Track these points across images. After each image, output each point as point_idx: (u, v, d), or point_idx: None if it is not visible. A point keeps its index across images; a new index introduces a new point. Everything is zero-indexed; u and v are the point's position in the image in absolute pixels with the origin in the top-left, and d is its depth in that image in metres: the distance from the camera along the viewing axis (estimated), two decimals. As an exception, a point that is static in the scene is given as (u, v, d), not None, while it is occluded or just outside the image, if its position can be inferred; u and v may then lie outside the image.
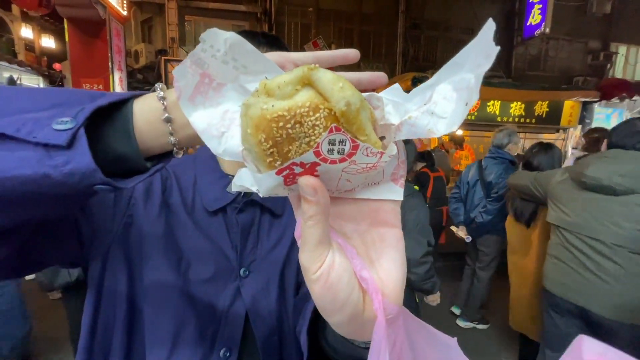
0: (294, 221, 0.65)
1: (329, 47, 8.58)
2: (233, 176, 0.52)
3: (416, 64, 10.07)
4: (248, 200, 0.61)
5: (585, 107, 4.01)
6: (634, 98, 4.22)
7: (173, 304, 0.52)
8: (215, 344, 0.53)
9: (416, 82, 3.47)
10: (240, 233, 0.59)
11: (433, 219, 3.29)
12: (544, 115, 4.01)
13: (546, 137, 4.78)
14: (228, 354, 0.54)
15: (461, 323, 2.91)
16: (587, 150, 2.99)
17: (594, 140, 2.88)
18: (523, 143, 5.15)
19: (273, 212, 0.63)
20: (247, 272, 0.58)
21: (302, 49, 9.08)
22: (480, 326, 2.90)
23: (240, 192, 0.59)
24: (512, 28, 10.27)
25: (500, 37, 10.44)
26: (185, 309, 0.52)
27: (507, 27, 10.34)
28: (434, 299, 1.81)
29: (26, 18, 8.53)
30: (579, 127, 3.93)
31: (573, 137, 4.27)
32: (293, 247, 0.64)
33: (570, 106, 3.98)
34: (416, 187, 1.95)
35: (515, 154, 2.67)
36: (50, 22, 9.51)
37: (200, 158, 0.63)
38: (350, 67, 10.44)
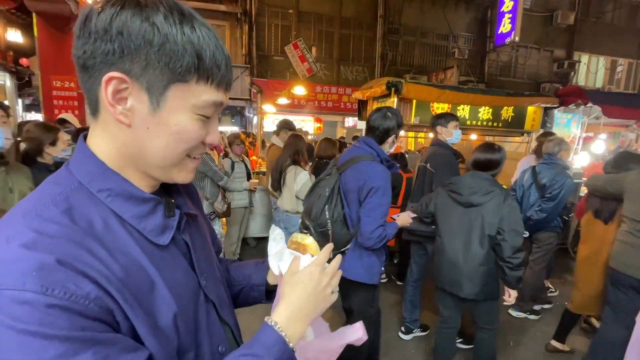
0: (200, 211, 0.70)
1: (310, 50, 8.67)
2: (154, 193, 0.53)
3: (394, 67, 10.34)
4: (185, 215, 0.58)
5: (547, 112, 4.30)
6: (588, 105, 4.56)
7: (174, 345, 0.50)
8: (213, 347, 0.58)
9: (390, 86, 3.62)
10: (191, 250, 0.58)
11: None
12: (509, 120, 4.25)
13: (512, 140, 5.08)
14: (224, 349, 0.60)
15: (514, 312, 3.07)
16: (536, 153, 3.29)
17: (540, 143, 3.20)
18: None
19: (196, 215, 0.64)
20: (204, 280, 0.59)
21: (282, 51, 9.15)
22: (532, 317, 3.01)
23: (179, 211, 0.56)
24: (484, 35, 10.76)
25: (474, 44, 10.90)
26: (182, 339, 0.52)
27: (480, 34, 10.82)
28: (514, 296, 1.92)
29: (-10, 10, 8.09)
30: (541, 130, 4.20)
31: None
32: (208, 231, 0.71)
33: (533, 111, 4.26)
34: (505, 186, 2.09)
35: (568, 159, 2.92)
36: (17, 15, 9.06)
37: (87, 199, 0.47)
38: (332, 68, 10.49)
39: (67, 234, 0.42)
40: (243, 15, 8.97)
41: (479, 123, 4.18)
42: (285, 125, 3.68)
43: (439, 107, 4.00)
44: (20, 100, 7.21)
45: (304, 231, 1.78)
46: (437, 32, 10.57)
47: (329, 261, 0.63)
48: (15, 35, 8.98)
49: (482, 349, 2.07)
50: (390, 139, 1.75)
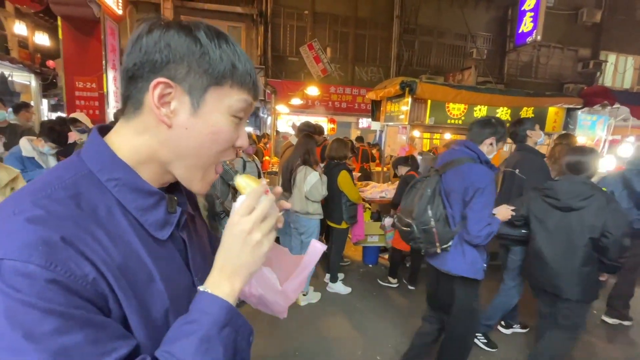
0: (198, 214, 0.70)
1: (324, 50, 8.66)
2: (160, 189, 0.55)
3: (410, 68, 10.19)
4: (185, 213, 0.59)
5: (570, 113, 4.11)
6: (615, 106, 4.34)
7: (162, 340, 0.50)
8: None
9: (404, 86, 3.55)
10: (188, 249, 0.59)
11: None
12: (529, 121, 4.10)
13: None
14: None
15: (608, 319, 3.04)
16: (550, 157, 3.14)
17: (556, 146, 3.13)
18: (510, 148, 5.25)
19: (194, 216, 0.65)
20: (199, 281, 0.58)
21: (297, 51, 9.18)
22: (626, 322, 2.99)
23: (180, 208, 0.58)
24: (504, 35, 10.45)
25: (493, 44, 10.61)
26: None
27: (499, 34, 10.52)
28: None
29: (20, 15, 8.48)
30: (563, 132, 4.02)
31: (559, 142, 4.37)
32: (206, 232, 0.72)
33: (554, 112, 4.08)
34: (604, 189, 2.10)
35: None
36: (45, 19, 9.47)
37: (95, 186, 0.50)
38: (347, 68, 10.47)
39: (72, 216, 0.45)
40: (259, 17, 9.06)
41: (497, 124, 4.06)
42: (306, 127, 3.64)
43: (455, 108, 3.89)
44: (45, 101, 7.51)
45: (404, 228, 1.92)
46: (454, 32, 10.36)
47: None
48: (42, 39, 9.40)
49: (554, 348, 2.07)
50: (488, 141, 1.87)
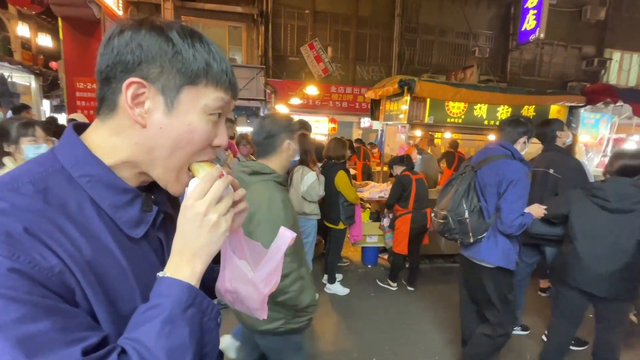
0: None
1: (325, 50, 8.62)
2: (140, 188, 0.55)
3: (412, 67, 10.13)
4: (162, 213, 0.59)
5: (572, 112, 4.05)
6: (619, 103, 4.26)
7: None
8: None
9: (403, 85, 3.51)
10: (165, 248, 0.58)
11: (418, 221, 3.34)
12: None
13: (533, 142, 4.83)
14: None
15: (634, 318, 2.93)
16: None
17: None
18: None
19: (172, 215, 0.61)
20: None
21: (298, 51, 9.15)
22: None
23: (156, 207, 0.57)
24: (507, 33, 10.35)
25: (495, 42, 10.52)
26: None
27: (502, 32, 10.42)
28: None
29: (23, 16, 8.53)
30: (567, 130, 3.96)
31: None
32: None
33: (556, 111, 4.02)
34: None
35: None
36: (47, 21, 9.53)
37: (66, 182, 0.49)
38: (348, 68, 10.43)
39: (38, 210, 0.44)
40: (259, 17, 9.04)
41: (498, 123, 4.00)
42: (302, 126, 3.63)
43: (454, 106, 3.85)
44: (48, 102, 7.56)
45: (440, 220, 2.06)
46: (456, 31, 10.28)
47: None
48: (45, 40, 9.45)
49: (604, 350, 2.10)
50: (521, 140, 1.97)
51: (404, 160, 3.34)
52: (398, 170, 3.36)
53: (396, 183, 3.28)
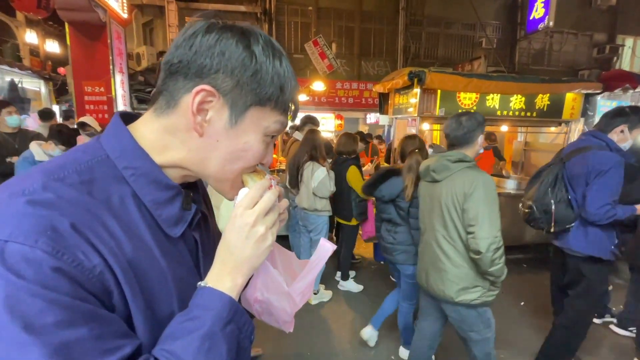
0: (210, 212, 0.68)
1: (330, 46, 8.55)
2: (180, 185, 0.52)
3: (417, 60, 9.99)
4: (200, 212, 0.56)
5: (588, 99, 3.92)
6: (638, 89, 4.12)
7: None
8: None
9: (413, 76, 3.44)
10: (199, 249, 0.56)
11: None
12: (545, 109, 3.92)
13: (547, 131, 4.71)
14: None
15: None
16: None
17: None
18: (525, 137, 5.07)
19: (207, 215, 0.62)
20: None
21: (302, 48, 9.09)
22: None
23: (195, 206, 0.54)
24: (515, 22, 10.13)
25: (503, 32, 10.30)
26: None
27: (509, 21, 10.20)
28: None
29: (30, 23, 8.65)
30: (582, 120, 3.85)
31: (577, 130, 4.19)
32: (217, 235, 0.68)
33: (572, 99, 3.90)
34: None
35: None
36: (54, 27, 9.64)
37: (110, 173, 0.46)
38: (353, 63, 10.35)
39: (84, 203, 0.42)
40: (263, 15, 9.01)
41: (511, 113, 3.90)
42: (309, 121, 3.59)
43: (466, 97, 3.76)
44: (57, 107, 7.65)
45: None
46: (462, 22, 10.10)
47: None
48: (53, 46, 9.58)
49: None
50: (618, 129, 1.92)
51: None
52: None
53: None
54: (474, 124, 1.62)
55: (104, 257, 0.41)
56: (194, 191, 0.58)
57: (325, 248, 0.60)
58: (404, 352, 2.38)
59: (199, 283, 0.49)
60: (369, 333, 2.47)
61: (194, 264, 0.54)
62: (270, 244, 0.51)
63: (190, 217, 0.53)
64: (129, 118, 0.53)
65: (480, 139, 1.67)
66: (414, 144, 2.28)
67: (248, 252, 0.49)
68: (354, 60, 9.88)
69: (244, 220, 0.49)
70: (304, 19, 9.45)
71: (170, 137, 0.50)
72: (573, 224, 1.95)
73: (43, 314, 0.35)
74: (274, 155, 5.71)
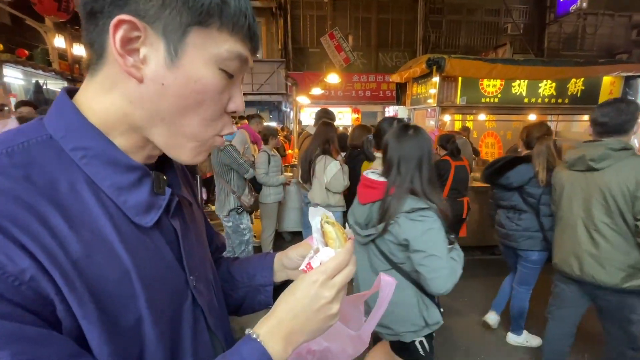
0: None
1: (346, 38, 8.37)
2: (146, 165, 0.44)
3: (437, 50, 9.62)
4: (178, 197, 0.49)
5: (629, 82, 3.57)
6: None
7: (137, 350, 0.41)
8: None
9: (431, 64, 3.25)
10: (180, 240, 0.48)
11: (453, 211, 3.07)
12: (578, 95, 3.61)
13: (580, 119, 4.36)
14: None
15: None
16: None
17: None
18: (555, 127, 4.72)
19: (190, 202, 0.55)
20: (194, 280, 0.49)
21: (318, 42, 8.96)
22: None
23: (170, 190, 0.46)
24: (543, 5, 9.52)
25: (531, 17, 9.72)
26: (150, 352, 0.42)
27: (538, 4, 9.60)
28: None
29: (59, 28, 9.01)
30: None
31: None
32: (204, 224, 0.62)
33: (610, 82, 3.56)
34: None
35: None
36: (80, 31, 10.02)
37: (55, 155, 0.38)
38: (370, 56, 10.12)
39: (14, 190, 0.34)
40: (278, 10, 8.95)
41: (539, 100, 3.62)
42: (324, 115, 3.48)
43: (490, 85, 3.52)
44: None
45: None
46: (486, 8, 9.62)
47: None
48: (79, 50, 9.97)
49: None
50: None
51: (448, 142, 3.03)
52: (439, 152, 3.08)
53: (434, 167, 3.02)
54: (634, 110, 1.57)
55: (36, 259, 0.32)
56: (169, 173, 0.50)
57: (389, 283, 0.56)
58: (513, 337, 2.41)
59: (248, 330, 0.44)
60: (493, 318, 2.54)
61: (175, 257, 0.46)
62: (335, 319, 0.47)
63: (164, 203, 0.44)
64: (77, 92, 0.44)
65: (636, 126, 1.61)
66: (542, 130, 2.21)
67: (313, 326, 0.45)
68: (371, 52, 9.65)
69: (322, 293, 0.44)
70: (320, 12, 9.31)
71: (109, 95, 0.40)
72: None
73: None
74: (289, 151, 5.63)
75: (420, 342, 1.36)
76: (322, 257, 0.47)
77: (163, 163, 0.50)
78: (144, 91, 0.39)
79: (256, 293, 0.66)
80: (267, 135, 3.38)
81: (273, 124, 9.89)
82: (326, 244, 0.49)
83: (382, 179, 1.33)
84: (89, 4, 0.38)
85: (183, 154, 0.44)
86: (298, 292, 0.45)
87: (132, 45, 0.37)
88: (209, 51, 0.39)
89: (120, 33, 0.36)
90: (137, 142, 0.43)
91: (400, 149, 1.28)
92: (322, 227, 0.50)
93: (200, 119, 0.42)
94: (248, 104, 8.60)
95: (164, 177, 0.46)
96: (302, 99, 7.01)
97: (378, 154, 1.95)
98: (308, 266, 0.48)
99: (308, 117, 9.32)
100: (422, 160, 1.28)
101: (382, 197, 1.28)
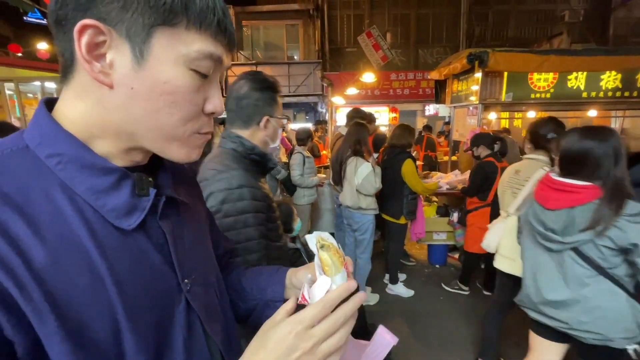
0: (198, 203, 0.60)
1: (384, 36, 8.18)
2: (137, 167, 0.44)
3: (483, 44, 9.03)
4: (168, 198, 0.47)
5: None
6: None
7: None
8: None
9: (473, 59, 3.04)
10: (172, 244, 0.46)
11: (498, 216, 2.84)
12: (650, 87, 3.18)
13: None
14: None
15: None
16: None
17: None
18: (621, 123, 4.19)
19: (186, 202, 0.53)
20: (189, 284, 0.47)
21: (355, 41, 8.86)
22: None
23: (154, 190, 0.44)
24: (608, -12, 8.54)
25: (592, 1, 8.76)
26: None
27: (601, -12, 8.63)
28: None
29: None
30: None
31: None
32: (207, 226, 0.61)
33: (688, 72, 3.09)
34: None
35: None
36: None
37: (30, 163, 0.38)
38: (408, 53, 9.80)
39: None
40: (315, 11, 9.00)
41: (601, 94, 3.23)
42: (356, 115, 3.42)
43: (540, 79, 3.21)
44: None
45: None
46: (539, -5, 8.85)
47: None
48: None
49: None
50: None
51: (495, 141, 2.78)
52: (483, 152, 2.87)
53: (478, 170, 2.81)
54: None
55: None
56: (159, 174, 0.49)
57: (385, 340, 0.51)
58: None
59: None
60: None
61: (165, 260, 0.45)
62: None
63: (148, 204, 0.43)
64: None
65: None
66: (550, 126, 2.02)
67: None
68: (410, 49, 9.35)
69: (298, 345, 0.40)
70: (357, 11, 9.21)
71: (83, 102, 0.40)
72: None
73: None
74: (323, 152, 5.61)
75: (635, 350, 1.27)
76: (316, 289, 0.44)
77: (157, 163, 0.49)
78: (115, 96, 0.38)
79: (265, 307, 0.65)
80: (303, 138, 3.39)
81: (309, 125, 9.97)
82: (323, 271, 0.46)
83: (580, 182, 1.25)
84: (54, 12, 0.38)
85: (173, 154, 0.44)
86: (270, 343, 0.40)
87: (98, 51, 0.37)
88: (176, 51, 0.38)
89: (85, 38, 0.36)
90: (121, 146, 0.42)
91: (602, 149, 1.22)
92: (318, 251, 0.46)
93: (176, 120, 0.41)
94: (285, 105, 8.75)
95: (149, 179, 0.45)
96: (337, 100, 6.97)
97: (533, 155, 1.96)
98: (302, 298, 0.44)
99: (344, 117, 9.27)
100: (622, 160, 1.23)
101: (587, 201, 1.23)
